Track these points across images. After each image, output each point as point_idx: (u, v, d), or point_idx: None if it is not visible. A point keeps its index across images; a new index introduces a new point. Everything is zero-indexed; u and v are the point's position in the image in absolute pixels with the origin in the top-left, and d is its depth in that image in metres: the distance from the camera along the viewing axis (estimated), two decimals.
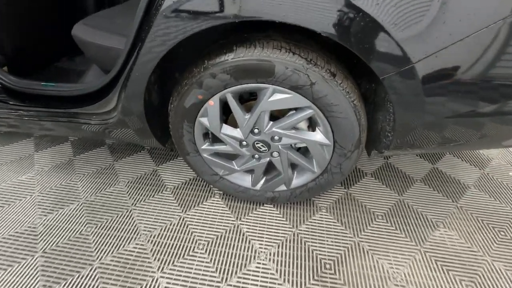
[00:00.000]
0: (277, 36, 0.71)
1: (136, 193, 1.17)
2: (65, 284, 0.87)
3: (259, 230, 1.02)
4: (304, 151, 0.97)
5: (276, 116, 0.92)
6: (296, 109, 0.80)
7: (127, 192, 1.18)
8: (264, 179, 1.02)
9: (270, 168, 1.05)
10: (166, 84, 0.99)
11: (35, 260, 0.94)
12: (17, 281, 0.88)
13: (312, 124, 0.87)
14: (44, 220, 1.07)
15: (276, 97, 0.74)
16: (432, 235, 1.00)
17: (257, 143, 0.88)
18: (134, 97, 0.84)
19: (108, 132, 1.03)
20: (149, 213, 1.09)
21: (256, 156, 0.93)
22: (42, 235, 1.02)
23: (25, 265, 0.93)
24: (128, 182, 1.22)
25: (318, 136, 0.82)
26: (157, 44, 0.69)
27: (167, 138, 1.09)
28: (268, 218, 1.06)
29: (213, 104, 0.79)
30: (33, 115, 1.07)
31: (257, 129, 0.84)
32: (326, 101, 0.71)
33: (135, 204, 1.12)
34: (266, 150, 0.89)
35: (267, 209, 1.09)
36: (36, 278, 0.89)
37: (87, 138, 1.09)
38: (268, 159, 0.93)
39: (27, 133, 1.55)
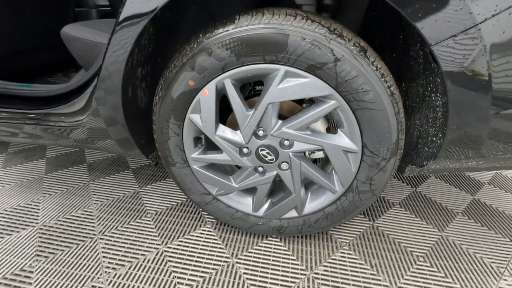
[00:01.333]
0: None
1: (108, 219, 0.93)
2: None
3: (261, 272, 0.76)
4: (321, 164, 0.77)
5: (285, 117, 0.75)
6: (312, 102, 0.63)
7: (97, 217, 0.94)
8: (269, 202, 0.80)
9: (276, 188, 0.83)
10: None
11: None
12: None
13: (332, 125, 0.69)
14: None
15: (289, 83, 0.57)
16: (498, 287, 0.73)
17: (261, 150, 0.69)
18: (109, 94, 0.69)
19: (86, 139, 0.86)
20: (118, 244, 0.84)
21: (260, 168, 0.73)
22: None
23: None
24: (101, 205, 0.99)
25: (341, 139, 0.63)
26: (129, 24, 0.57)
27: (152, 148, 0.90)
28: (273, 257, 0.80)
29: (207, 94, 0.62)
30: (5, 117, 0.91)
31: (262, 130, 0.66)
32: (354, 86, 0.54)
33: (104, 232, 0.88)
34: (273, 159, 0.70)
35: (272, 244, 0.84)
36: None
37: (64, 146, 0.92)
38: (275, 172, 0.73)
39: (2, 145, 1.37)
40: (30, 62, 1.33)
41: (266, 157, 0.70)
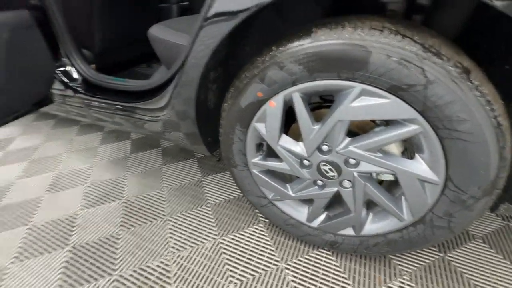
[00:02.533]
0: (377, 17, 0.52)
1: (175, 202, 1.06)
2: None
3: (309, 284, 0.76)
4: (388, 185, 0.71)
5: (355, 132, 0.70)
6: (389, 122, 0.56)
7: (167, 200, 1.07)
8: (325, 214, 0.78)
9: (335, 201, 0.80)
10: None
11: (63, 254, 0.88)
12: (39, 272, 0.82)
13: (409, 148, 0.61)
14: (85, 213, 1.03)
15: (364, 101, 0.52)
16: None
17: (323, 165, 0.66)
18: (185, 94, 0.75)
19: (161, 131, 0.97)
20: (182, 228, 0.94)
21: (320, 182, 0.71)
22: (77, 228, 0.97)
23: (52, 257, 0.87)
24: (170, 189, 1.13)
25: (419, 166, 0.55)
26: (209, 34, 0.59)
27: (217, 146, 0.96)
28: (323, 270, 0.79)
29: (274, 105, 0.62)
30: (101, 107, 1.10)
31: (327, 145, 0.63)
32: (447, 113, 0.46)
33: (171, 214, 1.00)
34: (334, 176, 0.66)
35: (323, 256, 0.83)
36: (57, 273, 0.82)
37: (146, 135, 1.07)
38: (335, 189, 0.69)
39: (98, 125, 1.66)
40: (122, 57, 1.54)
41: (328, 172, 0.67)
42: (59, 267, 0.84)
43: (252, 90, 0.62)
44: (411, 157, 0.57)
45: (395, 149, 0.63)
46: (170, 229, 0.94)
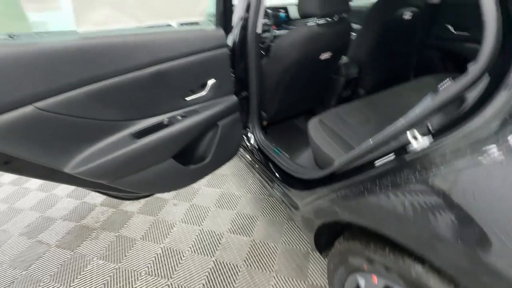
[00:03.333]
0: None
1: (283, 263, 1.32)
2: None
3: None
4: None
5: None
6: None
7: (279, 257, 1.36)
8: None
9: None
10: None
11: (209, 261, 1.38)
12: (191, 268, 1.35)
13: None
14: (228, 236, 1.51)
15: None
16: None
17: None
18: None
19: (297, 218, 1.20)
20: None
21: None
22: (221, 247, 1.45)
23: (202, 260, 1.39)
24: (284, 248, 1.40)
25: None
26: None
27: (328, 250, 1.11)
28: None
29: (376, 283, 0.71)
30: (261, 171, 1.48)
31: None
32: None
33: (277, 272, 1.28)
34: None
35: None
36: (203, 275, 1.31)
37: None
38: None
39: None
40: (289, 113, 1.88)
41: None
42: (205, 271, 1.33)
43: (360, 267, 0.73)
44: None
45: None
46: (272, 286, 1.22)
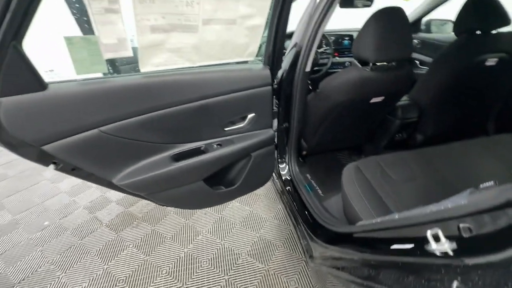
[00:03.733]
0: None
1: None
2: None
3: None
4: None
5: None
6: None
7: None
8: None
9: None
10: None
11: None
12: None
13: None
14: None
15: None
16: None
17: None
18: None
19: None
20: None
21: None
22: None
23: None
24: None
25: None
26: None
27: None
28: None
29: None
30: (287, 205, 1.48)
31: None
32: None
33: None
34: None
35: None
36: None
37: None
38: None
39: None
40: (329, 147, 1.82)
41: None
42: (215, 287, 1.40)
43: None
44: None
45: None
46: None
